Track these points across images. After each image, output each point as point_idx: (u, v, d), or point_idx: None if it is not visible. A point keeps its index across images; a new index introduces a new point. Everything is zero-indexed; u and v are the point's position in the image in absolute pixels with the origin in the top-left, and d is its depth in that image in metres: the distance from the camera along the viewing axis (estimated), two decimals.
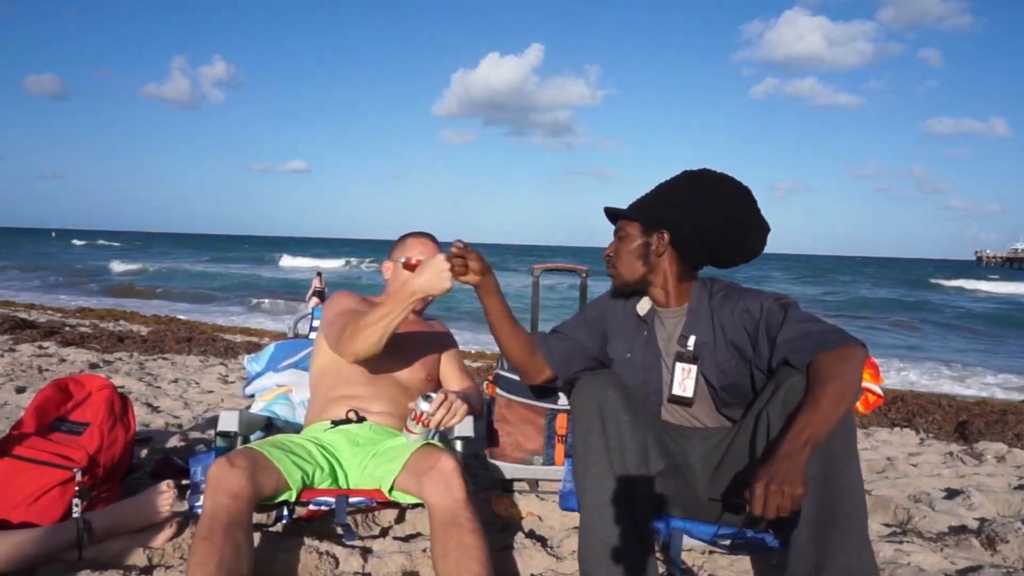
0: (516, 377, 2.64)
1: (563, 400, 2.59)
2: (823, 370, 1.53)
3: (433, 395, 1.95)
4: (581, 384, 1.72)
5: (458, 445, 2.14)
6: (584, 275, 3.24)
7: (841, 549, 1.46)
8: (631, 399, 1.72)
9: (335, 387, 2.15)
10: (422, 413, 1.92)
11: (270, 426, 2.33)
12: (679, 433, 1.81)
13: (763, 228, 1.79)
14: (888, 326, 19.51)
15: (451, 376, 2.35)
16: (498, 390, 2.61)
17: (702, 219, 1.75)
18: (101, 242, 71.17)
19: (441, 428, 1.97)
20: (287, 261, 46.85)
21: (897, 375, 10.85)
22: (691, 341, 1.79)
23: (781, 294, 1.76)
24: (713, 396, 1.78)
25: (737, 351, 1.74)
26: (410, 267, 2.23)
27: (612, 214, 1.90)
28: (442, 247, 2.34)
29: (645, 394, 1.83)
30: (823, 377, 1.52)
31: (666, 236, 1.79)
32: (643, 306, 1.89)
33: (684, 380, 1.79)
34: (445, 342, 2.40)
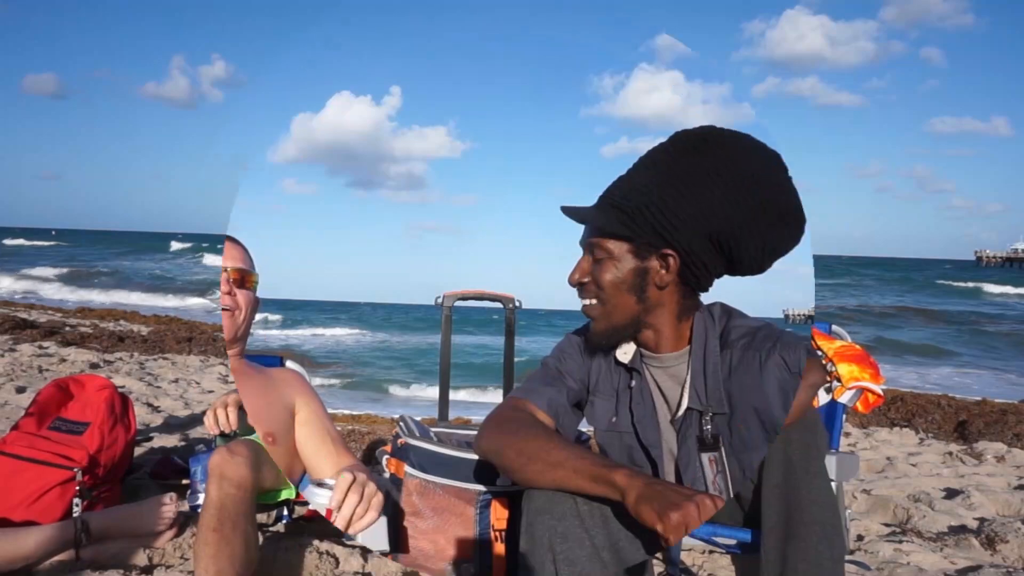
0: (434, 448, 1.66)
1: (500, 479, 1.63)
2: None
3: (328, 480, 1.42)
4: (532, 510, 1.17)
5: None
6: (511, 305, 2.50)
7: (803, 558, 1.41)
8: (594, 524, 1.15)
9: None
10: (327, 511, 1.34)
11: None
12: None
13: (801, 213, 1.20)
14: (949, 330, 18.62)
15: (319, 450, 1.67)
16: (407, 467, 1.65)
17: (730, 221, 1.16)
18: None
19: (357, 531, 1.38)
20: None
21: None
22: (707, 423, 1.24)
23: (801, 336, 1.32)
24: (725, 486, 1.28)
25: (761, 420, 1.21)
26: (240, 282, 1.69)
27: (579, 218, 1.29)
28: (249, 256, 1.78)
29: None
30: None
31: (674, 261, 1.21)
32: (626, 350, 1.33)
33: (716, 476, 1.26)
34: (292, 389, 1.76)
